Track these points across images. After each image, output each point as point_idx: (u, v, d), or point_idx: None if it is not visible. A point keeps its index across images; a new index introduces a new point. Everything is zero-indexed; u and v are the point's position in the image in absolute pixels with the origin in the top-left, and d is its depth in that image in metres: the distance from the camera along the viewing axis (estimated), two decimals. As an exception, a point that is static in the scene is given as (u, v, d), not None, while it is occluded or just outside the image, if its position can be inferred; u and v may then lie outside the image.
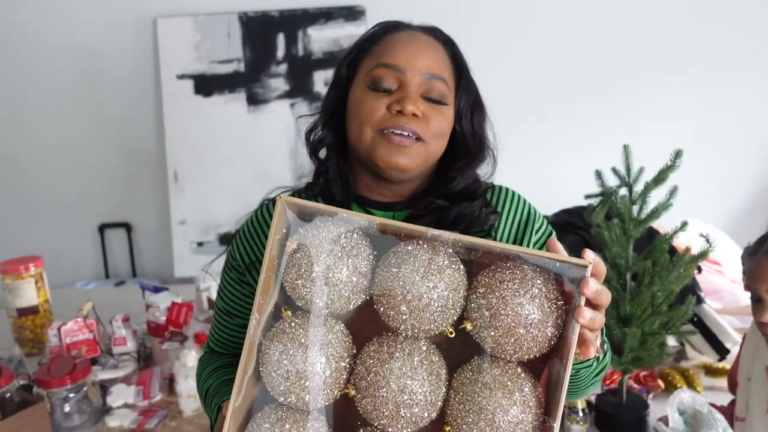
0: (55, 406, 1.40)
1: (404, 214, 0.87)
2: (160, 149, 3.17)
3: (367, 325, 0.68)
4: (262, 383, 0.68)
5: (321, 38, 3.04)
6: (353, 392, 0.66)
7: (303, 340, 0.65)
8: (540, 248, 0.88)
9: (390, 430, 0.65)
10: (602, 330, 0.74)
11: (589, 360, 0.74)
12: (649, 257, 1.26)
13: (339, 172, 0.88)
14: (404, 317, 0.64)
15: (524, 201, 0.90)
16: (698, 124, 2.97)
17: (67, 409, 1.41)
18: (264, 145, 3.11)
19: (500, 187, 0.91)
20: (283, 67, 3.09)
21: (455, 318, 0.65)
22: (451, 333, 0.65)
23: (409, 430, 0.65)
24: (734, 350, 1.48)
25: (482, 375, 0.63)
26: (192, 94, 3.11)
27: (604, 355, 0.79)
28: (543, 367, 0.64)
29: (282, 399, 0.67)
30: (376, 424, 0.66)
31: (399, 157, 0.80)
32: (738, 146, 3.03)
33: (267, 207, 0.93)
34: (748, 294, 1.85)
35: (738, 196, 3.16)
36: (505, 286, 0.62)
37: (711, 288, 1.83)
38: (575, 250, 0.92)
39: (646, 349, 1.25)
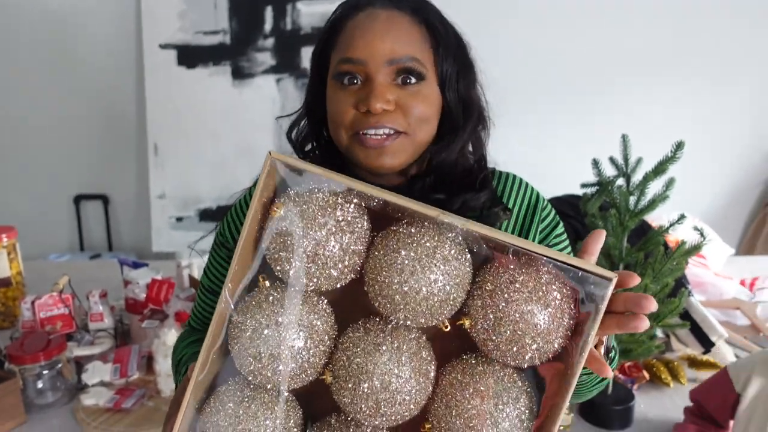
0: (27, 383, 1.35)
1: None
2: (141, 120, 3.09)
3: (352, 305, 0.61)
4: (230, 358, 0.61)
5: (310, 12, 2.97)
6: (330, 379, 0.60)
7: (280, 318, 0.58)
8: (545, 236, 0.85)
9: (365, 423, 0.60)
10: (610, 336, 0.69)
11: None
12: (643, 249, 1.25)
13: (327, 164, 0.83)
14: (398, 307, 0.57)
15: (531, 188, 0.87)
16: (684, 116, 2.98)
17: (40, 386, 1.36)
18: (248, 121, 3.04)
19: (506, 174, 0.87)
20: (270, 41, 3.01)
21: (453, 312, 0.58)
22: (446, 327, 0.58)
23: (386, 426, 0.60)
24: (719, 344, 1.49)
25: (474, 379, 0.57)
26: (175, 65, 3.02)
27: (611, 362, 0.76)
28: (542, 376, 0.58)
29: (251, 378, 0.61)
30: (351, 417, 0.60)
31: (381, 158, 0.74)
32: (721, 139, 3.05)
33: None
34: (732, 287, 1.88)
35: (720, 189, 3.19)
36: (515, 289, 0.54)
37: (695, 281, 1.84)
38: (568, 240, 0.90)
39: (635, 341, 1.24)
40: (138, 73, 3.05)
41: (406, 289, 0.56)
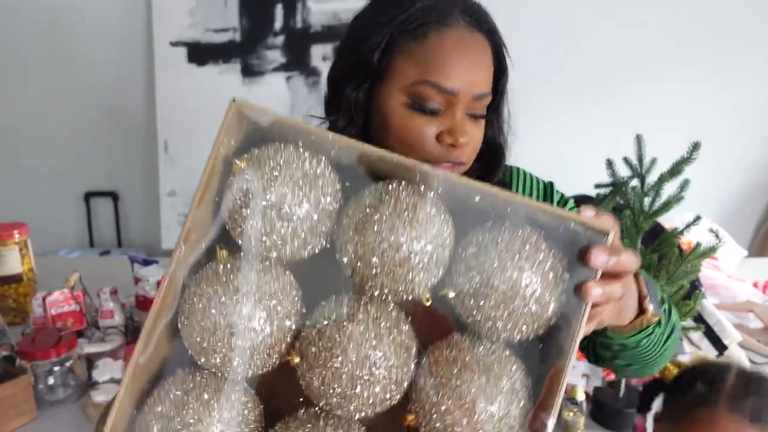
0: (38, 379, 1.35)
1: None
2: (151, 118, 3.09)
3: (322, 277, 0.54)
4: (180, 343, 0.53)
5: (321, 11, 2.96)
6: (297, 359, 0.52)
7: (239, 287, 0.50)
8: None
9: (339, 412, 0.52)
10: (655, 288, 0.65)
11: (648, 327, 0.66)
12: (657, 251, 1.23)
13: None
14: (375, 271, 0.50)
15: (537, 178, 0.89)
16: (696, 116, 2.95)
17: (51, 382, 1.36)
18: (258, 119, 3.04)
19: (515, 169, 0.89)
20: (280, 39, 3.01)
21: (435, 282, 0.52)
22: (428, 300, 0.51)
23: (364, 414, 0.52)
24: (732, 347, 1.47)
25: (462, 354, 0.51)
26: (185, 62, 3.02)
27: (669, 315, 0.71)
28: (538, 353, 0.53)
29: (203, 360, 0.52)
30: (322, 404, 0.52)
31: None
32: (732, 139, 3.02)
33: None
34: (745, 289, 1.86)
35: (732, 190, 3.16)
36: (503, 248, 0.49)
37: (708, 283, 1.83)
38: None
39: (649, 344, 1.23)
40: (148, 71, 3.06)
41: (384, 246, 0.49)
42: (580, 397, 1.28)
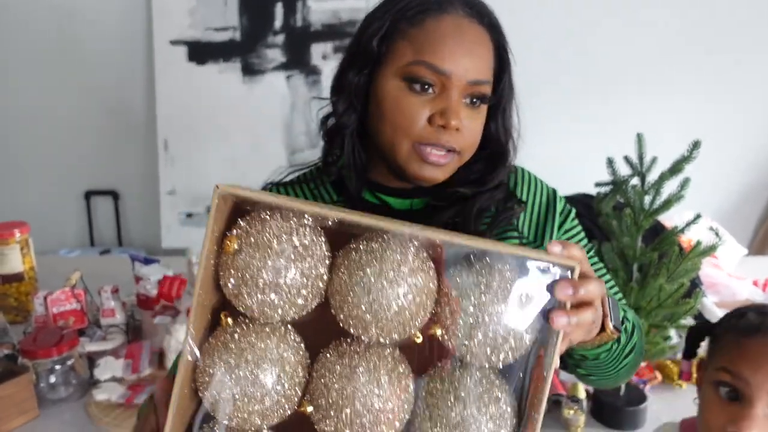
0: (40, 378, 1.35)
1: (423, 202, 0.81)
2: (151, 116, 3.09)
3: (322, 328, 0.59)
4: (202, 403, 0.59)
5: (321, 9, 2.95)
6: (310, 409, 0.58)
7: (250, 356, 0.56)
8: (562, 222, 0.84)
9: None
10: (617, 308, 0.68)
11: (607, 343, 0.69)
12: (657, 249, 1.24)
13: (354, 159, 0.79)
14: (369, 326, 0.56)
15: (542, 183, 0.87)
16: (696, 115, 2.95)
17: (52, 380, 1.37)
18: (258, 117, 3.04)
19: (521, 170, 0.86)
20: (280, 38, 3.01)
21: (424, 322, 0.57)
22: (419, 338, 0.57)
23: None
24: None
25: (454, 386, 0.56)
26: (185, 61, 3.02)
27: (631, 334, 0.74)
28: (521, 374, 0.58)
29: (226, 421, 0.58)
30: None
31: (433, 172, 0.73)
32: (732, 137, 3.02)
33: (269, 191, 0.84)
34: (745, 287, 1.86)
35: (731, 188, 3.16)
36: (482, 290, 0.54)
37: (708, 281, 1.83)
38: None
39: (649, 342, 1.23)
40: (148, 70, 3.06)
41: (375, 307, 0.55)
42: (581, 395, 1.28)
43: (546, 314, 0.55)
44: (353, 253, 0.56)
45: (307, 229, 0.57)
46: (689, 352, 0.92)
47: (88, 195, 3.25)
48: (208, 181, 3.30)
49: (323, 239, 0.58)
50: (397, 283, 0.54)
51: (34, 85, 3.10)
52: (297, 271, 0.56)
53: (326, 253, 0.58)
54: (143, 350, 1.51)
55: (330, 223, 0.57)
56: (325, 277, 0.57)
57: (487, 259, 0.55)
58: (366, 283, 0.54)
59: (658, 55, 2.94)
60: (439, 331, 0.57)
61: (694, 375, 0.94)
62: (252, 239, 0.55)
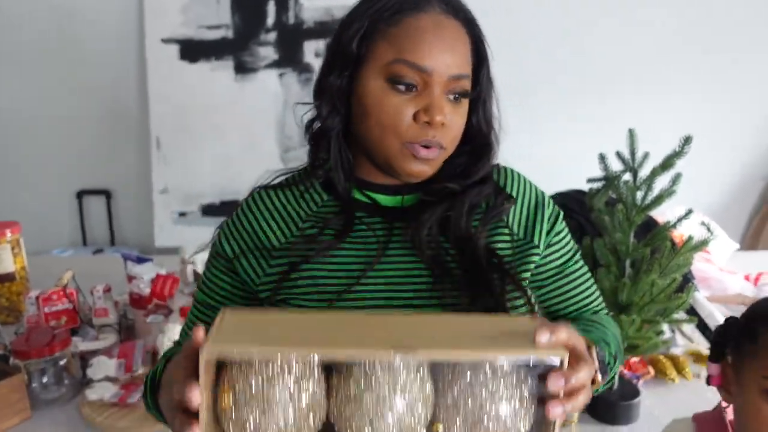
0: (32, 378, 1.35)
1: (414, 197, 0.81)
2: (143, 115, 3.08)
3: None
4: None
5: (313, 7, 2.95)
6: None
7: None
8: (551, 227, 0.84)
9: None
10: (604, 354, 0.71)
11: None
12: (649, 244, 1.24)
13: (340, 160, 0.79)
14: None
15: (531, 183, 0.87)
16: (689, 111, 2.96)
17: (45, 380, 1.36)
18: (251, 115, 3.03)
19: (505, 169, 0.86)
20: (272, 36, 3.00)
21: (426, 423, 0.60)
22: None
23: None
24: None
25: None
26: (177, 59, 3.01)
27: (612, 377, 0.77)
28: None
29: None
30: None
31: (422, 167, 0.74)
32: (724, 133, 3.03)
33: (254, 196, 0.84)
34: (736, 282, 1.87)
35: (723, 183, 3.18)
36: (478, 391, 0.57)
37: (700, 276, 1.84)
38: (571, 235, 0.90)
39: (642, 337, 1.24)
40: (140, 68, 3.04)
41: (376, 425, 0.57)
42: (574, 390, 1.28)
43: (540, 400, 0.57)
44: (351, 380, 0.58)
45: (300, 364, 0.57)
46: (719, 353, 0.82)
47: (81, 194, 3.23)
48: (201, 179, 3.30)
49: (318, 369, 0.59)
50: (396, 402, 0.57)
51: (25, 85, 3.08)
52: (297, 409, 0.57)
53: (321, 379, 0.59)
54: (136, 349, 1.51)
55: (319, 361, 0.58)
56: (324, 403, 0.59)
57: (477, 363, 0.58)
58: (365, 406, 0.57)
59: (655, 54, 2.95)
60: (440, 428, 0.60)
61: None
62: (246, 389, 0.56)
